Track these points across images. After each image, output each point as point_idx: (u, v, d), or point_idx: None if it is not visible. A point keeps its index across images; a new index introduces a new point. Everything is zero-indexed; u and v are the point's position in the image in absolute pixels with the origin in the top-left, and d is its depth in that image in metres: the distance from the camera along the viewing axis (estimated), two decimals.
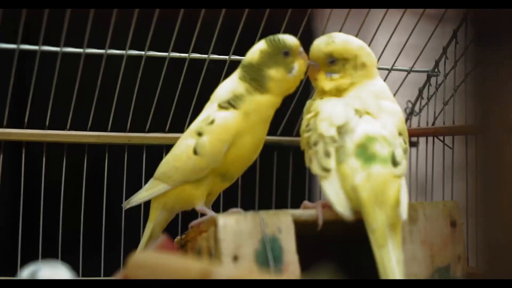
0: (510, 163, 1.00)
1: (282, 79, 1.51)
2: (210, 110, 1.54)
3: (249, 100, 1.51)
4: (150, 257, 1.35)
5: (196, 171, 1.51)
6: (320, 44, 1.52)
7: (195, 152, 1.51)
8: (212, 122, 1.51)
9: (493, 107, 0.99)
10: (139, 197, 1.60)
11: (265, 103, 1.52)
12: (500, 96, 0.99)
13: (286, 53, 1.51)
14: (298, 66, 1.52)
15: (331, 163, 1.43)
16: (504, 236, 1.01)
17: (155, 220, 1.58)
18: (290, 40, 1.52)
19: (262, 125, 1.54)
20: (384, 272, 1.36)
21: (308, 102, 1.54)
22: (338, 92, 1.50)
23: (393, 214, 1.39)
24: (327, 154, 1.43)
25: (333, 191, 1.42)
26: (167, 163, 1.57)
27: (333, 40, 1.51)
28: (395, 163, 1.42)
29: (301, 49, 1.53)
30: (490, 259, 1.03)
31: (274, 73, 1.51)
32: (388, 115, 1.47)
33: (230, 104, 1.51)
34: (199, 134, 1.51)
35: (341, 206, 1.41)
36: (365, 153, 1.42)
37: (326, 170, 1.43)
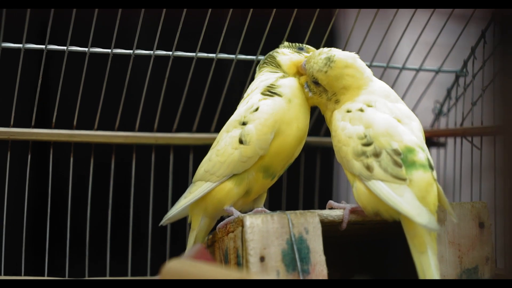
0: None
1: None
2: (253, 100, 1.53)
3: (283, 85, 1.52)
4: (185, 266, 1.33)
5: (243, 160, 1.50)
6: (319, 63, 1.49)
7: (241, 141, 1.50)
8: (256, 109, 1.50)
9: None
10: (178, 206, 1.57)
11: (294, 83, 1.54)
12: None
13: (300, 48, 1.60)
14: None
15: (405, 173, 1.39)
16: None
17: (197, 227, 1.56)
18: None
19: (304, 112, 1.53)
20: (424, 278, 1.35)
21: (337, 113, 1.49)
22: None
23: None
24: (398, 164, 1.39)
25: (408, 202, 1.38)
26: (209, 160, 1.54)
27: (327, 70, 1.48)
28: (431, 167, 1.41)
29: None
30: None
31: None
32: (409, 119, 1.46)
33: (273, 92, 1.51)
34: (244, 123, 1.51)
35: (423, 218, 1.36)
36: (405, 160, 1.40)
37: (401, 179, 1.38)
